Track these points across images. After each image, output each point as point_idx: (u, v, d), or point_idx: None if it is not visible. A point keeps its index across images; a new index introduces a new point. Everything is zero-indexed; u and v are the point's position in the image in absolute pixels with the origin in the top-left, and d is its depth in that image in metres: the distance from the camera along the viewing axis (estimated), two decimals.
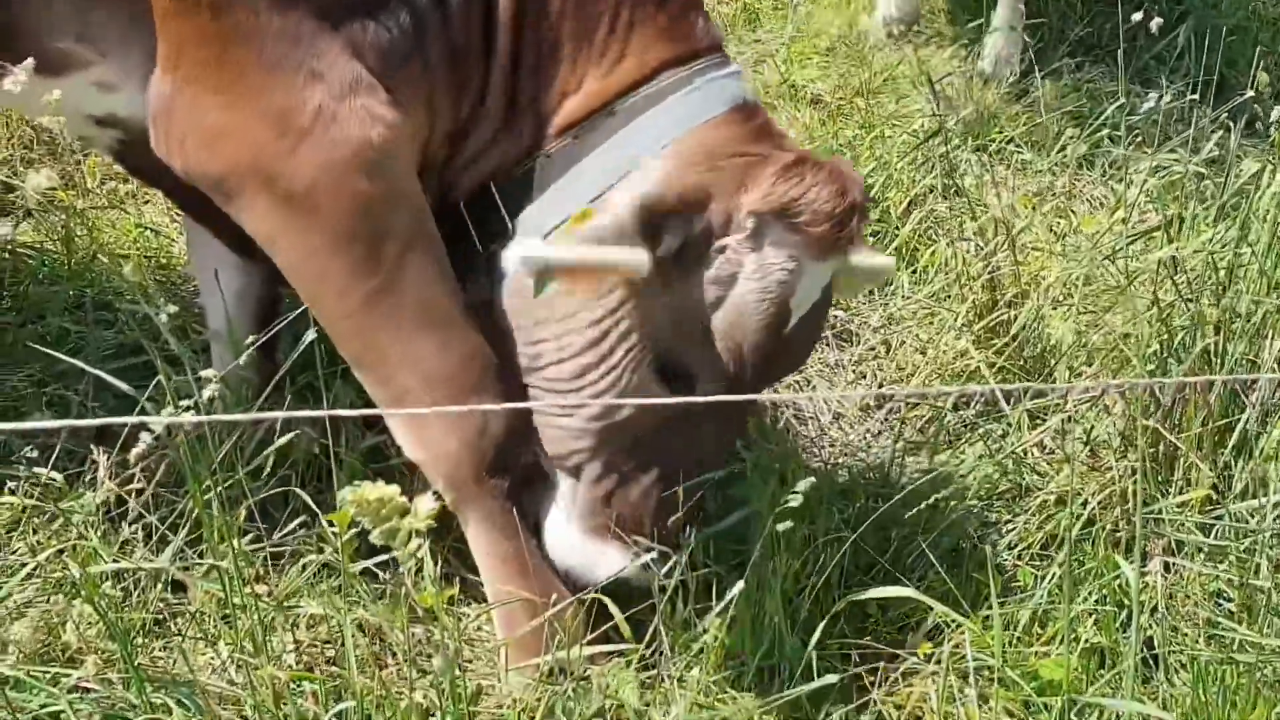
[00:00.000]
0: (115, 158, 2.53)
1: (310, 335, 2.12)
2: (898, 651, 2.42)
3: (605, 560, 2.29)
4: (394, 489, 1.53)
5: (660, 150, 2.24)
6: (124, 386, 1.87)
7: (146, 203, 3.66)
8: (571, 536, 2.32)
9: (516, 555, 2.31)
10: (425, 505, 1.56)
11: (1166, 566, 2.40)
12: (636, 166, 2.24)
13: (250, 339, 2.33)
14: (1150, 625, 2.40)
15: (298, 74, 2.08)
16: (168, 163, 2.21)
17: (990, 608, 2.29)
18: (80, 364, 2.25)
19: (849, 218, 2.22)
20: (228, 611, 2.17)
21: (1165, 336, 2.72)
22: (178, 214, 3.63)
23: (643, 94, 2.29)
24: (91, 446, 2.39)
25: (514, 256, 2.21)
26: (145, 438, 1.89)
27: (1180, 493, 2.56)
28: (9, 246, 3.27)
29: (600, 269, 2.17)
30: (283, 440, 2.57)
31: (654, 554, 2.25)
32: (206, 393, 1.83)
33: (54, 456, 2.55)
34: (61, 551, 2.10)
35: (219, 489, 2.02)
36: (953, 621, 2.37)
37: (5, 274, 3.19)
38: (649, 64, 2.31)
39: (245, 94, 2.09)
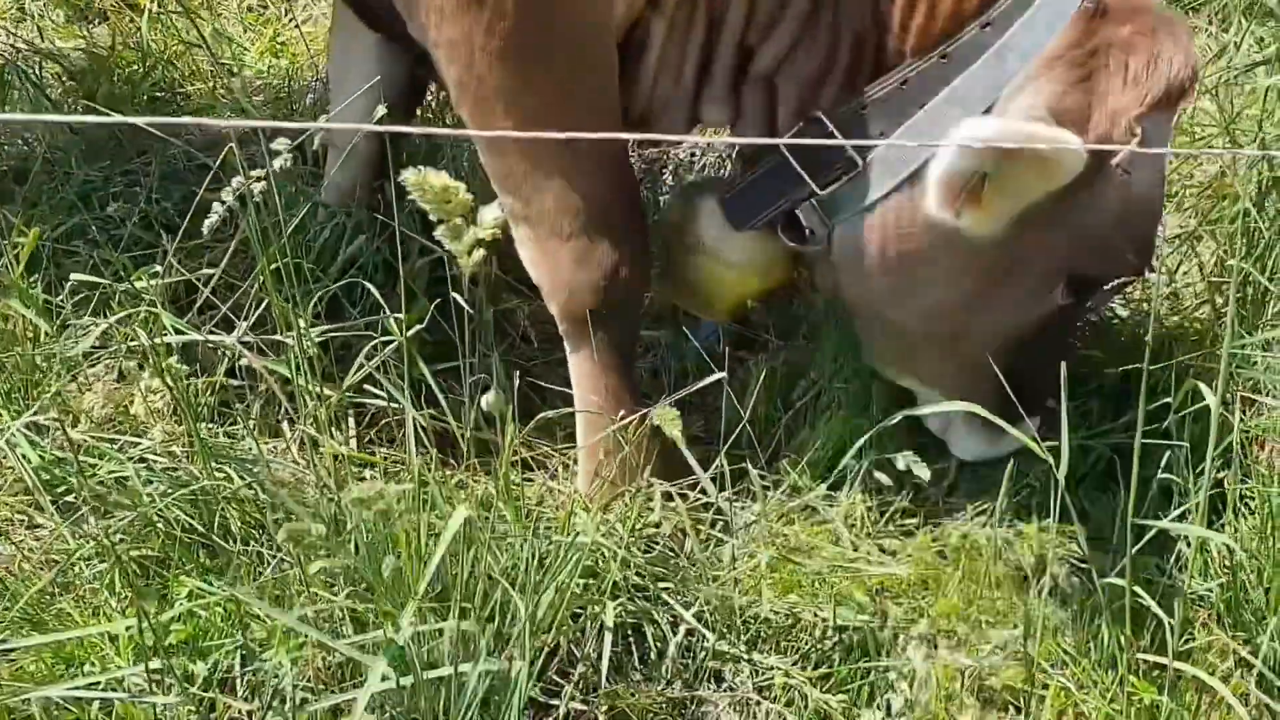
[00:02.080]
0: None
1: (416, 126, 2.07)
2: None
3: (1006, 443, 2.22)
4: (460, 184, 1.47)
5: (1032, 65, 2.07)
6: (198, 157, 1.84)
7: (219, 17, 3.62)
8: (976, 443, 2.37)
9: (615, 391, 2.29)
10: (490, 214, 1.51)
11: (1248, 404, 2.33)
12: (1006, 85, 2.07)
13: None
14: (1221, 469, 2.33)
15: None
16: None
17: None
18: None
19: (1195, 77, 2.12)
20: (292, 393, 2.17)
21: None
22: (251, 24, 3.60)
23: (1010, 1, 2.08)
24: (160, 233, 2.40)
25: (957, 141, 1.95)
26: (218, 209, 1.87)
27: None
28: (85, 49, 3.26)
29: (1042, 158, 1.96)
30: (353, 247, 2.59)
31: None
32: (277, 163, 1.80)
33: (122, 243, 2.58)
34: (130, 320, 2.11)
35: (289, 271, 2.01)
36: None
37: (80, 75, 3.19)
38: None
39: None
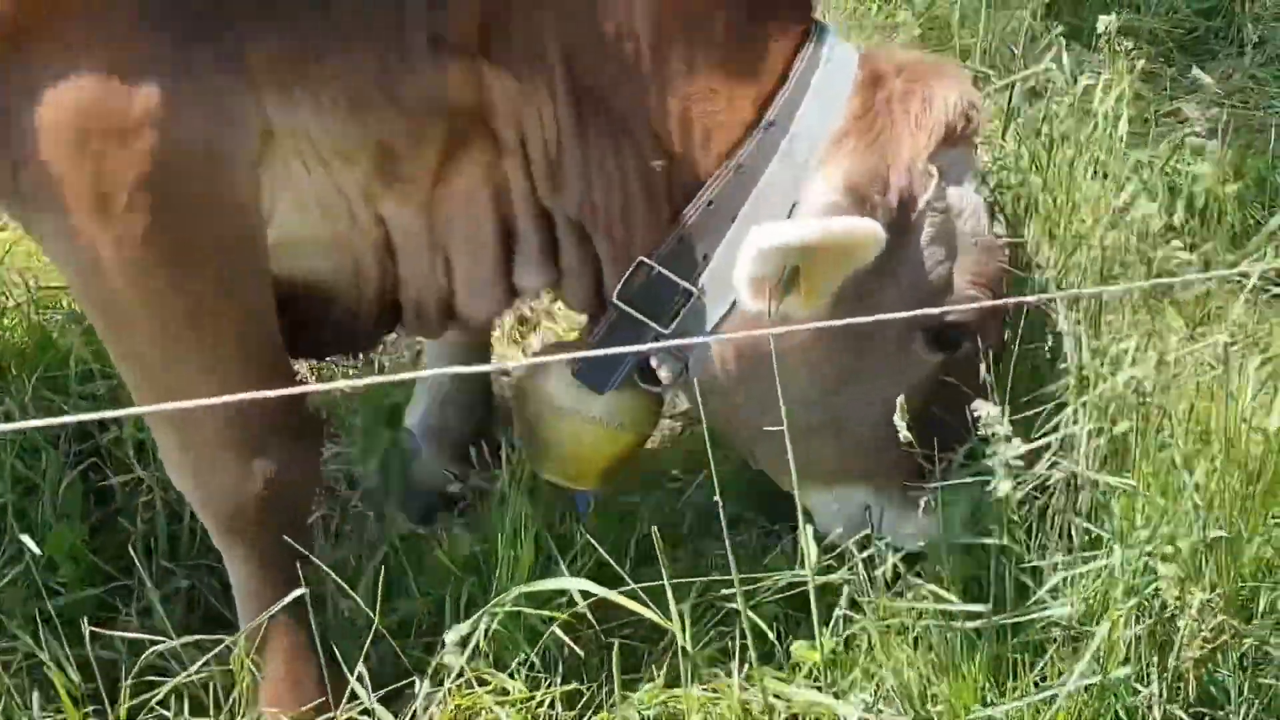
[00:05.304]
0: None
1: None
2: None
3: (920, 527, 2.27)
4: None
5: (823, 147, 2.14)
6: None
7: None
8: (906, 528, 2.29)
9: (278, 600, 2.15)
10: None
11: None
12: (808, 171, 2.13)
13: None
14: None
15: None
16: None
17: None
18: None
19: (976, 106, 2.21)
20: None
21: None
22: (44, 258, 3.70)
23: (787, 93, 2.15)
24: None
25: (751, 249, 2.02)
26: None
27: None
28: None
29: (841, 245, 2.04)
30: None
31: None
32: None
33: None
34: None
35: None
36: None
37: None
38: (785, 55, 2.17)
39: None
